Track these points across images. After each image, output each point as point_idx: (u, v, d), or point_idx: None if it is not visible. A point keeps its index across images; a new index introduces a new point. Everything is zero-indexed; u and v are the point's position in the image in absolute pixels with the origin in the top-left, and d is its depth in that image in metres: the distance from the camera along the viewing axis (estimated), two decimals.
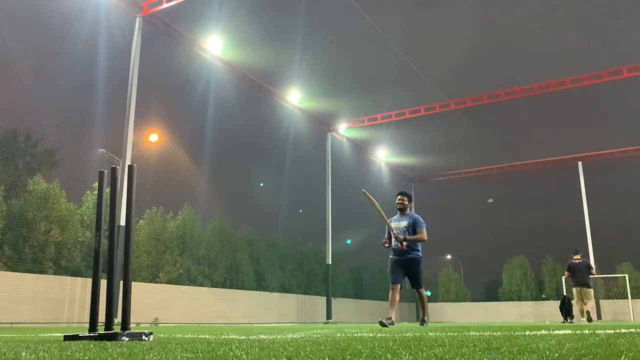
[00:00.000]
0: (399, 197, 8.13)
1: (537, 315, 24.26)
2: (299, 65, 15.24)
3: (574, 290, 14.25)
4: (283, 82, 16.20)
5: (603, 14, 12.75)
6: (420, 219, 7.92)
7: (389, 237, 7.86)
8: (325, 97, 17.59)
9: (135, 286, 9.67)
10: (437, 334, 3.78)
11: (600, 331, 4.16)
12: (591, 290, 14.15)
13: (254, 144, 19.43)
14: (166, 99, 16.92)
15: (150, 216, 16.85)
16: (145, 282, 15.00)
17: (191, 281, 16.84)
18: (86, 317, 8.55)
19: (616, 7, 12.52)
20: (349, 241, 23.61)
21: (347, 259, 25.14)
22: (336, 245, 19.85)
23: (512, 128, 19.44)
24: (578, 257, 14.32)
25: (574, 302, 14.63)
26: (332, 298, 19.10)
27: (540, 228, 26.15)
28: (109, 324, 3.40)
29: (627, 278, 21.90)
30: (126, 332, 3.28)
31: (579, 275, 14.13)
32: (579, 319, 15.06)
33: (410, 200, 8.14)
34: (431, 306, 27.86)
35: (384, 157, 23.33)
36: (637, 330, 4.41)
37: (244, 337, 3.74)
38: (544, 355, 1.77)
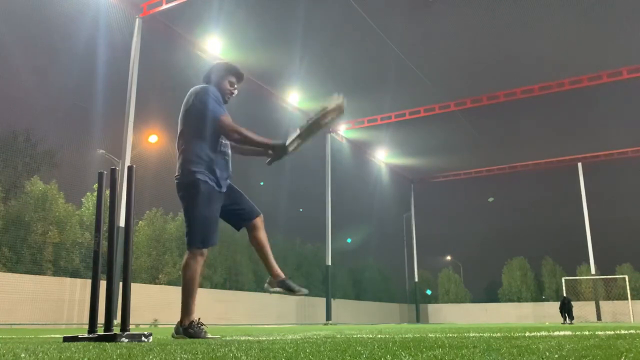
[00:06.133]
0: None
1: (537, 316, 24.26)
2: (299, 67, 15.24)
3: None
4: (283, 83, 16.20)
5: (603, 15, 12.75)
6: None
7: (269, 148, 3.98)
8: (324, 98, 17.35)
9: (135, 287, 9.66)
10: (437, 335, 3.77)
11: (600, 332, 4.16)
12: None
13: None
14: (166, 100, 16.89)
15: (150, 217, 16.87)
16: (145, 283, 15.00)
17: None
18: (85, 319, 8.53)
19: (616, 8, 12.53)
20: (349, 240, 23.60)
21: (347, 260, 25.14)
22: (335, 246, 19.83)
23: (512, 129, 19.42)
24: None
25: None
26: (332, 299, 19.09)
27: (540, 229, 26.16)
28: (108, 325, 3.39)
29: (627, 279, 21.90)
30: (125, 333, 3.27)
31: None
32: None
33: None
34: (431, 307, 27.84)
35: (384, 158, 23.31)
36: (637, 331, 4.41)
37: (243, 338, 3.74)
38: (543, 357, 1.77)
